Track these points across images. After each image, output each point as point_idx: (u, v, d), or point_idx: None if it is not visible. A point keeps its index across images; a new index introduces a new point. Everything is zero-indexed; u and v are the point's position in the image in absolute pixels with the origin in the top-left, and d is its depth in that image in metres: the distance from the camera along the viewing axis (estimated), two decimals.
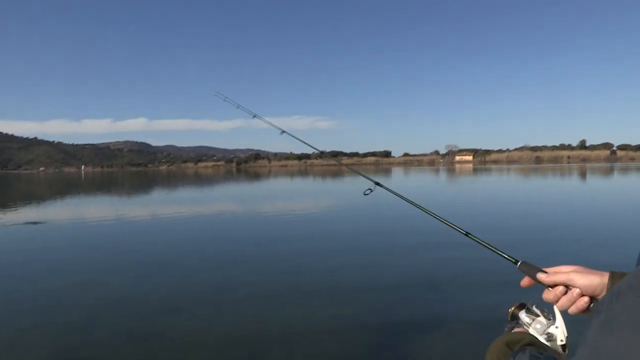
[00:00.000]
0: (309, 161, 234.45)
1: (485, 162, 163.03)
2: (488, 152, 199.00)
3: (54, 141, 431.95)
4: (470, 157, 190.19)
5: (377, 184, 1.99)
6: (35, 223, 15.71)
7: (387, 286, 6.98)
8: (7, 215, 19.56)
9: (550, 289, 1.13)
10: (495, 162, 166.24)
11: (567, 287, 1.10)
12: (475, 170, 77.56)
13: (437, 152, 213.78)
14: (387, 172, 75.75)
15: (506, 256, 1.32)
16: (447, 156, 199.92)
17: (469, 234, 1.49)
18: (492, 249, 1.37)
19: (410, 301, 6.25)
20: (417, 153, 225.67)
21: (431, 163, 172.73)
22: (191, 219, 16.76)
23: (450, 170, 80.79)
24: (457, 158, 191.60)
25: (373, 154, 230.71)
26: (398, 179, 50.62)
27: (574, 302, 1.09)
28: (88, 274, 8.16)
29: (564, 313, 1.12)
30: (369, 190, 1.99)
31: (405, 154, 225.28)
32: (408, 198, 1.75)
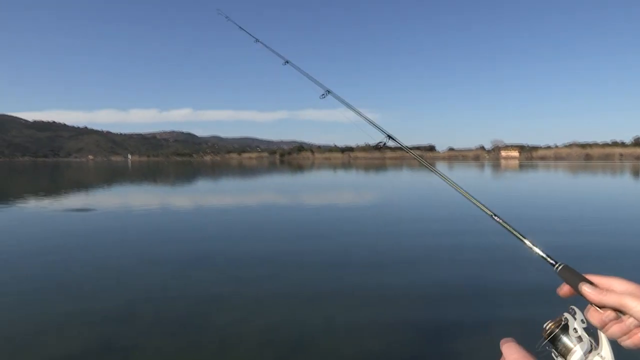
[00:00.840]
0: (352, 154, 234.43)
1: (532, 159, 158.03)
2: (535, 148, 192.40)
3: (102, 130, 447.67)
4: (516, 153, 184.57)
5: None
6: (82, 210, 16.32)
7: (431, 284, 6.83)
8: (57, 201, 20.44)
9: (597, 309, 0.85)
10: (542, 158, 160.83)
11: (620, 311, 0.83)
12: (521, 166, 75.37)
13: (482, 148, 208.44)
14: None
15: (542, 254, 1.00)
16: (492, 152, 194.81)
17: (495, 215, 1.22)
18: (523, 239, 1.07)
19: (451, 301, 6.08)
20: (462, 148, 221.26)
21: (476, 158, 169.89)
22: (233, 209, 16.99)
23: (495, 166, 78.83)
24: (503, 154, 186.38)
25: (417, 147, 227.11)
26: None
27: (627, 334, 0.82)
28: (130, 263, 8.39)
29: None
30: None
31: (450, 149, 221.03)
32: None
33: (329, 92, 1.89)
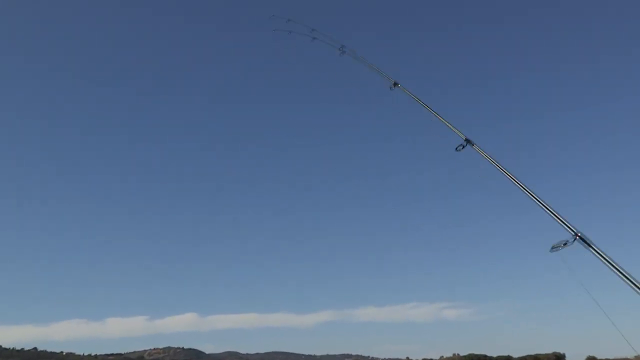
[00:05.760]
0: None
1: None
2: None
3: (61, 352, 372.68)
4: None
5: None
6: None
7: None
8: None
9: None
10: None
11: None
12: None
13: None
14: None
15: None
16: None
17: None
18: None
19: None
20: (612, 357, 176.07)
21: None
22: None
23: None
24: None
25: (536, 357, 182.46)
26: None
27: None
28: None
29: None
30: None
31: (591, 358, 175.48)
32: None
33: (396, 83, 1.66)
